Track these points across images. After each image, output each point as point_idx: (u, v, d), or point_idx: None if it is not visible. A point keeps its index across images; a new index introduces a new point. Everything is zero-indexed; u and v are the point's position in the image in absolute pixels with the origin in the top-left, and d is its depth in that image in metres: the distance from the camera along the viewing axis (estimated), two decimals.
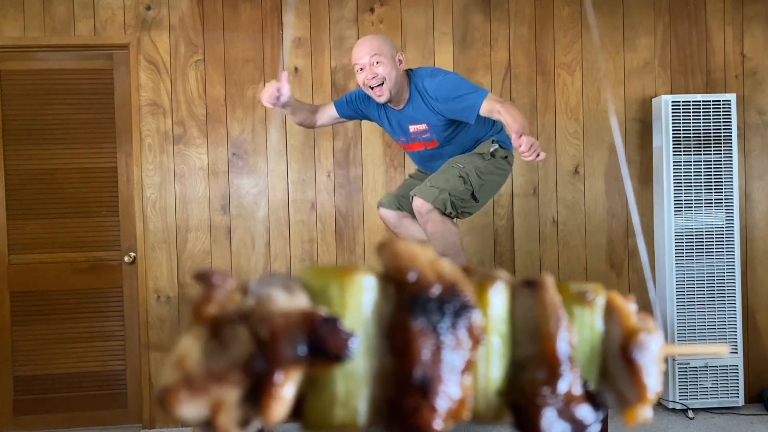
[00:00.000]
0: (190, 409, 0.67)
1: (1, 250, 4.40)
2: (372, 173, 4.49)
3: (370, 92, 3.37)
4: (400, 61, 3.35)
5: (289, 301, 0.75)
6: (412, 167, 4.48)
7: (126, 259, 4.44)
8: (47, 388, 4.43)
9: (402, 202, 3.56)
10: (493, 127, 3.49)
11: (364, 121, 4.43)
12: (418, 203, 3.25)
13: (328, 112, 3.69)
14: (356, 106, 3.61)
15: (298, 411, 0.74)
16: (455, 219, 3.35)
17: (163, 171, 4.41)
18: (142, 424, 4.41)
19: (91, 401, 4.46)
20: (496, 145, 3.47)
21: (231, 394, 0.67)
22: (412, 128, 3.44)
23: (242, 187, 4.45)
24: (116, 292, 4.48)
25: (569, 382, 0.79)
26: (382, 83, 3.30)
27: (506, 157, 3.52)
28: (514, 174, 4.54)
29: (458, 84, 3.30)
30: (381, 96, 3.35)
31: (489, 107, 3.15)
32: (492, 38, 4.56)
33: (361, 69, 3.33)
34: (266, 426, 0.67)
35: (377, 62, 3.29)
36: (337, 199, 4.45)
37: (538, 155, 2.85)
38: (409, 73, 3.43)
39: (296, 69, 4.46)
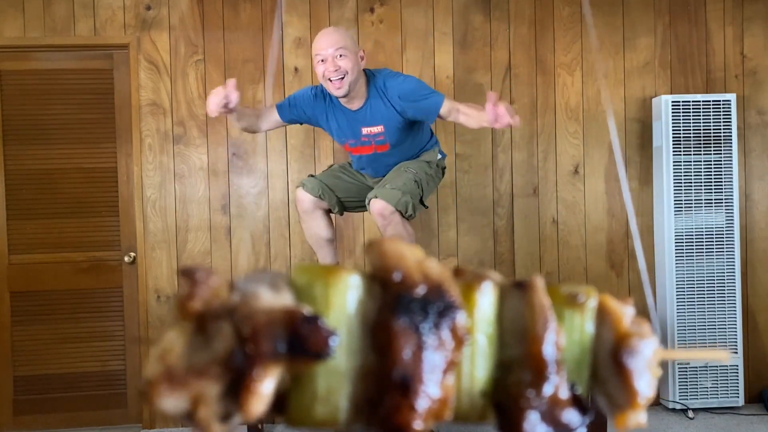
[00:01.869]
0: (171, 402, 0.68)
1: (1, 250, 4.40)
2: None
3: (328, 85, 3.29)
4: (362, 58, 3.33)
5: (274, 299, 0.75)
6: None
7: (126, 259, 4.44)
8: (47, 388, 4.44)
9: (324, 192, 3.50)
10: (433, 137, 3.66)
11: None
12: (381, 206, 3.21)
13: (272, 117, 3.61)
14: (301, 109, 3.54)
15: (282, 407, 0.75)
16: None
17: (163, 171, 4.42)
18: (142, 424, 4.42)
19: (91, 401, 4.47)
20: (440, 156, 3.60)
21: (211, 389, 0.68)
22: (365, 130, 3.41)
23: (242, 187, 4.45)
24: (116, 292, 4.48)
25: (555, 385, 0.79)
26: (344, 76, 3.25)
27: (444, 167, 3.68)
28: (514, 174, 4.55)
29: (420, 85, 3.38)
30: (340, 89, 3.28)
31: (449, 106, 3.29)
32: (492, 38, 4.56)
33: (323, 60, 3.26)
34: (246, 420, 0.68)
35: (341, 55, 3.24)
36: None
37: (512, 118, 2.94)
38: (367, 72, 3.40)
39: (296, 69, 4.46)
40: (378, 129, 3.40)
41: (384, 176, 3.51)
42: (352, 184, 3.62)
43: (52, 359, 4.43)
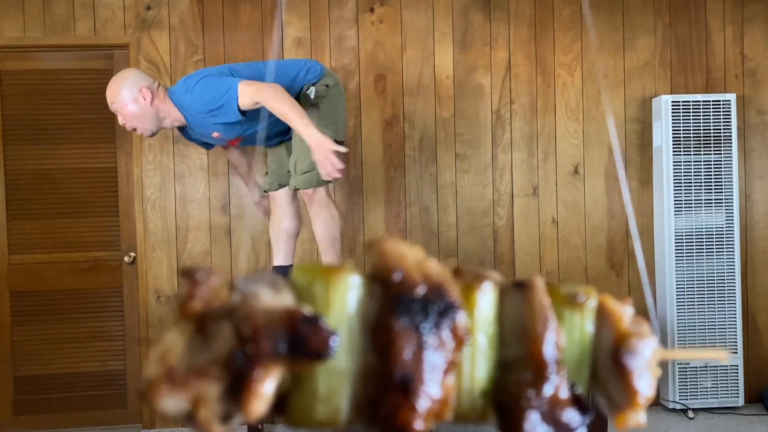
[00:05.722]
0: (172, 402, 0.68)
1: (1, 250, 4.40)
2: (372, 173, 4.49)
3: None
4: (145, 97, 3.31)
5: (274, 299, 0.75)
6: (413, 168, 4.49)
7: (126, 259, 4.44)
8: (47, 388, 4.44)
9: (281, 179, 3.68)
10: (294, 80, 3.37)
11: (363, 120, 4.45)
12: (304, 192, 3.44)
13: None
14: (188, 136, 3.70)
15: (282, 407, 0.75)
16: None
17: (163, 171, 4.41)
18: (141, 424, 4.41)
19: (91, 401, 4.46)
20: (312, 89, 3.39)
21: (212, 389, 0.68)
22: (214, 135, 3.48)
23: (242, 187, 4.44)
24: (116, 292, 4.48)
25: (555, 385, 0.79)
26: (135, 128, 3.40)
27: (328, 85, 3.44)
28: (513, 174, 4.54)
29: (207, 95, 3.22)
30: (145, 136, 3.50)
31: (249, 101, 3.10)
32: (492, 38, 4.56)
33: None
34: (247, 421, 0.68)
35: (115, 112, 3.39)
36: (337, 199, 4.44)
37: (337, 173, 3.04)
38: (170, 94, 3.38)
39: None
40: (216, 135, 3.44)
41: (279, 140, 3.61)
42: (279, 161, 3.73)
43: (52, 359, 4.43)
